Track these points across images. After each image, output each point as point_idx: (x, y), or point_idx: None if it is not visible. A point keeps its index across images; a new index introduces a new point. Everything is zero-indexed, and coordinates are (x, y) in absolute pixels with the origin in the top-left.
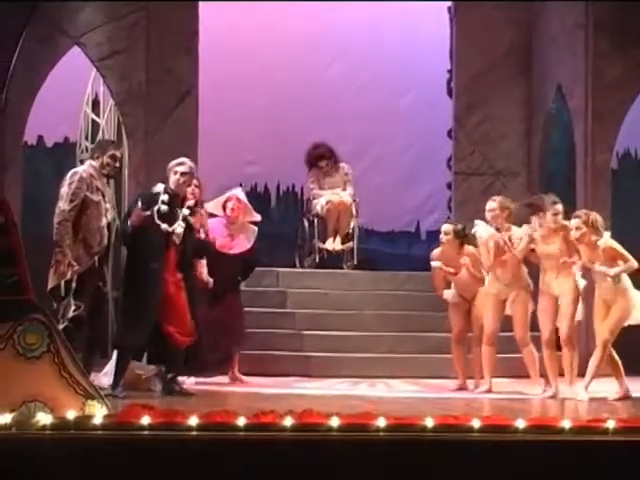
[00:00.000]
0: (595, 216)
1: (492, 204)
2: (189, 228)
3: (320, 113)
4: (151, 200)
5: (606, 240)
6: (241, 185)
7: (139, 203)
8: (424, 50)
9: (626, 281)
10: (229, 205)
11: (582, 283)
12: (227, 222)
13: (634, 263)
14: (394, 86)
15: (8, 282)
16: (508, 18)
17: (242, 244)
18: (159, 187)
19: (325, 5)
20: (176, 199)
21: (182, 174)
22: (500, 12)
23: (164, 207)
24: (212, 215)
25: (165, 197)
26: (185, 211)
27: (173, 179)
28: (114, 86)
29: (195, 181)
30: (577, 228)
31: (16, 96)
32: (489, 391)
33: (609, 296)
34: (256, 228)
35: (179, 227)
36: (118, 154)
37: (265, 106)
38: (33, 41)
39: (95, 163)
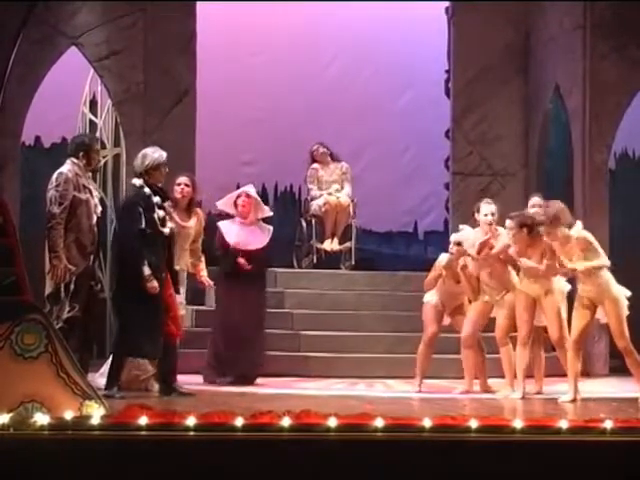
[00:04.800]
0: (555, 210)
1: (492, 207)
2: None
3: (318, 113)
4: (148, 205)
5: (579, 230)
6: (238, 186)
7: (142, 214)
8: (422, 50)
9: (606, 274)
10: (239, 202)
11: (567, 287)
12: (239, 219)
13: (605, 261)
14: (392, 86)
15: (6, 282)
16: (506, 18)
17: (258, 241)
18: (144, 187)
19: (323, 5)
20: (164, 195)
21: (166, 165)
22: (498, 12)
23: (161, 212)
24: (226, 216)
25: (157, 199)
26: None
27: (163, 172)
28: (112, 86)
29: (186, 180)
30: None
31: (14, 97)
32: (467, 392)
33: (593, 295)
34: (271, 227)
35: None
36: (99, 147)
37: (263, 106)
38: (31, 42)
39: (77, 161)
